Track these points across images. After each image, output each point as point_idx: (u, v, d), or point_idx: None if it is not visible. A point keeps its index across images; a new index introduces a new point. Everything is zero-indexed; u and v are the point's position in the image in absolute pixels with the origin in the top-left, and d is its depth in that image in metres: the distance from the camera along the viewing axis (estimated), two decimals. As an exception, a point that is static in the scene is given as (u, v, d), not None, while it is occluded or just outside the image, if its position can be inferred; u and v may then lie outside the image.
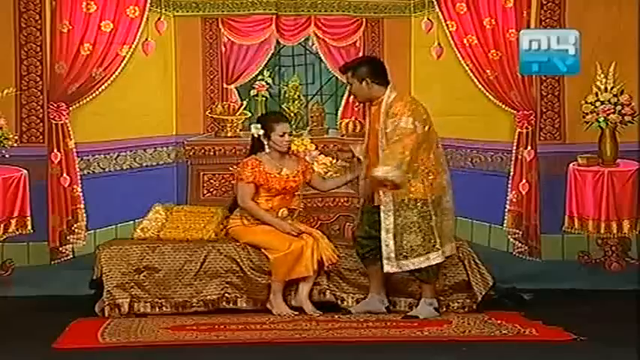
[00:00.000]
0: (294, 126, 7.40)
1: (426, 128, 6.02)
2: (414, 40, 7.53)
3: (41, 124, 7.30)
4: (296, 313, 6.23)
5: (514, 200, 7.49)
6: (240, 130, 7.50)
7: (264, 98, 7.51)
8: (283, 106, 7.49)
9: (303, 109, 7.54)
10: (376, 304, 6.22)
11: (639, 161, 7.39)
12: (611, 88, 7.35)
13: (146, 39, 7.39)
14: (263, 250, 6.35)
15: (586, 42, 6.65)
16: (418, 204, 5.99)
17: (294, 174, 6.50)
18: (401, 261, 6.03)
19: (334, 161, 7.28)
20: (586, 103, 7.36)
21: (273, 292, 6.30)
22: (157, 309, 6.36)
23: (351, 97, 6.91)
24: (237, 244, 6.44)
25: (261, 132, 6.51)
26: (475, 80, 7.46)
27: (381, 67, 6.31)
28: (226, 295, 6.40)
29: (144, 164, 7.45)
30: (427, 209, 5.99)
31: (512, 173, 7.49)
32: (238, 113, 7.50)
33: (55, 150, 7.29)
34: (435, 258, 6.03)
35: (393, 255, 6.02)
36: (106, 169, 7.43)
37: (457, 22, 7.48)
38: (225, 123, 7.50)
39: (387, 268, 6.06)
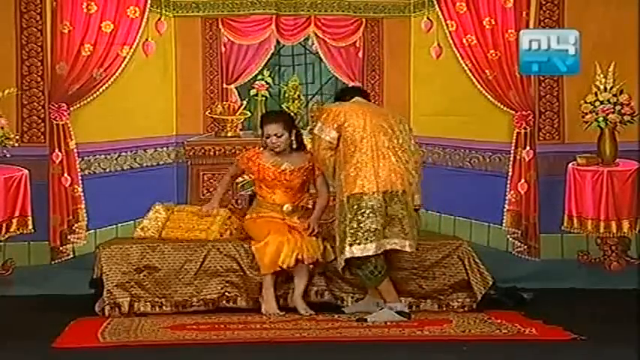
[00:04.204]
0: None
1: (342, 130, 6.03)
2: (414, 39, 7.55)
3: (42, 124, 7.32)
4: (282, 313, 6.21)
5: (513, 200, 7.50)
6: (240, 130, 7.53)
7: (264, 98, 7.53)
8: (283, 105, 7.51)
9: (303, 108, 7.56)
10: (370, 307, 6.20)
11: (639, 161, 7.40)
12: (611, 88, 7.36)
13: (146, 39, 7.41)
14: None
15: (585, 42, 6.65)
16: (340, 204, 6.04)
17: (293, 170, 6.50)
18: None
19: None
20: (585, 102, 7.37)
21: (264, 287, 6.30)
22: (157, 308, 6.36)
23: None
24: (237, 243, 6.45)
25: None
26: (474, 80, 7.48)
27: (350, 89, 6.59)
28: (226, 294, 6.40)
29: (144, 164, 7.47)
30: (342, 209, 6.01)
31: (510, 173, 7.50)
32: (238, 113, 7.53)
33: (56, 150, 7.31)
34: (345, 255, 5.97)
35: (337, 254, 6.11)
36: (107, 170, 7.45)
37: (457, 22, 7.49)
38: (225, 123, 7.53)
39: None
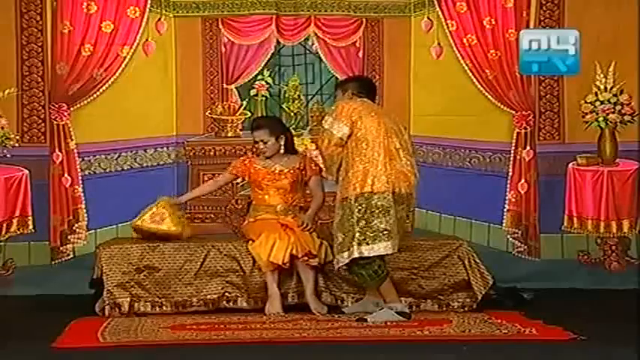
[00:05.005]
0: (293, 126, 7.42)
1: (355, 128, 5.98)
2: (414, 39, 7.56)
3: (43, 124, 7.33)
4: (283, 314, 6.20)
5: (513, 200, 7.50)
6: (241, 130, 7.54)
7: (264, 98, 7.53)
8: (283, 105, 7.52)
9: (303, 108, 7.57)
10: (369, 306, 6.20)
11: (639, 161, 7.40)
12: (611, 88, 7.37)
13: (146, 39, 7.42)
14: None
15: (585, 42, 6.64)
16: (344, 202, 6.00)
17: (282, 169, 6.52)
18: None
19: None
20: (585, 102, 7.37)
21: (267, 286, 6.29)
22: (157, 308, 6.36)
23: None
24: (238, 242, 6.46)
25: None
26: (474, 80, 7.48)
27: (366, 84, 6.37)
28: (226, 294, 6.40)
29: (144, 164, 7.48)
30: (348, 207, 5.97)
31: (510, 173, 7.50)
32: (238, 113, 7.53)
33: (57, 150, 7.32)
34: (352, 254, 5.93)
35: (335, 252, 6.08)
36: (107, 170, 7.46)
37: (457, 22, 7.50)
38: (225, 123, 7.53)
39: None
